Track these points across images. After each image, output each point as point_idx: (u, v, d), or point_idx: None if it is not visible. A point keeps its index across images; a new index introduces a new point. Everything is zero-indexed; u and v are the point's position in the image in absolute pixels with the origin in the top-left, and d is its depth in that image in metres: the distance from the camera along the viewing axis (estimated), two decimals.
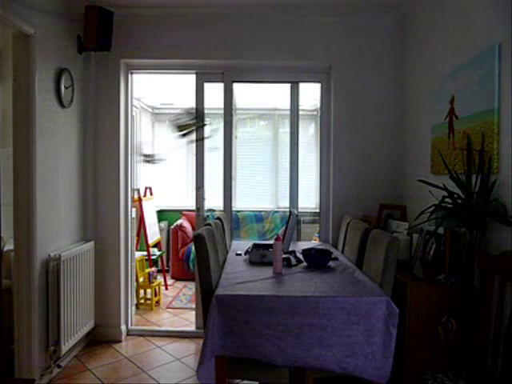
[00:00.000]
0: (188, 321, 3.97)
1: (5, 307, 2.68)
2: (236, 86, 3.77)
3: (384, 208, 3.37)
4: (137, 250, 4.64)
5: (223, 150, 3.67)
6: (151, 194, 5.36)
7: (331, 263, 2.68)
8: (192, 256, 5.25)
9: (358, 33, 3.46)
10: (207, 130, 3.62)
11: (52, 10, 2.88)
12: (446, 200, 2.23)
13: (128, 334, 3.65)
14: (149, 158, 3.28)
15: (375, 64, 3.47)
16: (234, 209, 3.85)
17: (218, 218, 3.18)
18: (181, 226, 5.54)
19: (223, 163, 3.68)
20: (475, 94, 2.29)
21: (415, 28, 3.24)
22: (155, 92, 5.30)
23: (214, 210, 5.00)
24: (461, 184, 2.21)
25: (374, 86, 3.48)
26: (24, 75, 2.60)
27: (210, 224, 2.71)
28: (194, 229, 5.42)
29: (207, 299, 2.13)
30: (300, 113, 3.77)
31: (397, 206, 3.36)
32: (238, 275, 2.39)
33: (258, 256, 2.72)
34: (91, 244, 3.37)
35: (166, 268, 5.42)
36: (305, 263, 2.68)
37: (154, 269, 4.61)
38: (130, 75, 3.67)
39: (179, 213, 5.95)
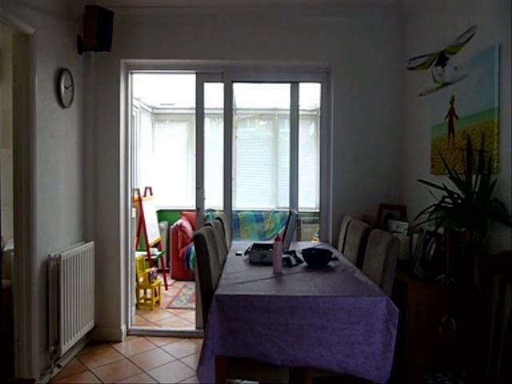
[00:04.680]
0: (188, 321, 3.97)
1: (5, 307, 2.68)
2: (236, 86, 3.77)
3: (384, 208, 3.37)
4: (137, 250, 4.64)
5: (223, 150, 3.67)
6: (151, 193, 5.36)
7: (331, 263, 2.68)
8: (192, 256, 5.25)
9: (358, 33, 3.46)
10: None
11: (52, 10, 2.88)
12: (446, 200, 2.23)
13: (128, 334, 3.65)
14: None
15: (375, 64, 3.47)
16: (234, 209, 3.85)
17: (218, 218, 3.19)
18: (181, 226, 5.54)
19: (223, 163, 3.67)
20: (475, 94, 2.29)
21: (415, 28, 3.23)
22: (155, 92, 5.31)
23: (213, 210, 5.00)
24: (461, 184, 2.21)
25: (374, 85, 3.48)
26: (24, 75, 2.60)
27: (210, 224, 2.71)
28: (194, 229, 5.42)
29: (207, 299, 2.13)
30: (300, 113, 3.78)
31: (397, 206, 3.36)
32: (238, 275, 2.39)
33: (258, 256, 2.72)
34: (91, 244, 3.37)
35: (166, 268, 5.42)
36: (305, 263, 2.68)
37: (154, 269, 4.61)
38: (130, 75, 3.67)
39: (179, 213, 5.95)
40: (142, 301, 4.41)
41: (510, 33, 1.99)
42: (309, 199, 5.39)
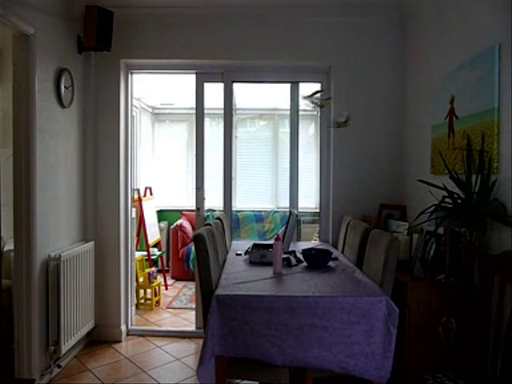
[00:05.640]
0: (188, 321, 3.97)
1: (5, 307, 2.68)
2: (236, 86, 3.77)
3: (384, 208, 3.37)
4: (137, 250, 4.64)
5: (223, 150, 3.67)
6: (151, 193, 5.36)
7: (331, 263, 2.68)
8: (192, 256, 5.25)
9: (358, 33, 3.46)
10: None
11: (52, 10, 2.88)
12: (446, 200, 2.23)
13: (128, 334, 3.65)
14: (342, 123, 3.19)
15: (375, 64, 3.47)
16: (234, 209, 3.85)
17: (218, 218, 3.19)
18: (181, 226, 5.54)
19: (223, 163, 3.67)
20: (475, 93, 2.29)
21: (415, 28, 3.23)
22: (155, 92, 5.30)
23: (213, 210, 5.00)
24: (461, 184, 2.21)
25: (374, 85, 3.48)
26: (24, 75, 2.60)
27: (210, 224, 2.71)
28: (194, 229, 5.41)
29: (207, 299, 2.13)
30: (300, 113, 3.78)
31: (397, 206, 3.36)
32: (238, 275, 2.38)
33: (258, 256, 2.72)
34: (91, 244, 3.37)
35: (166, 268, 5.42)
36: (305, 263, 2.68)
37: (154, 269, 4.61)
38: (130, 75, 3.67)
39: (179, 213, 5.95)
40: (142, 301, 4.41)
41: (510, 33, 1.99)
42: (309, 199, 5.38)
